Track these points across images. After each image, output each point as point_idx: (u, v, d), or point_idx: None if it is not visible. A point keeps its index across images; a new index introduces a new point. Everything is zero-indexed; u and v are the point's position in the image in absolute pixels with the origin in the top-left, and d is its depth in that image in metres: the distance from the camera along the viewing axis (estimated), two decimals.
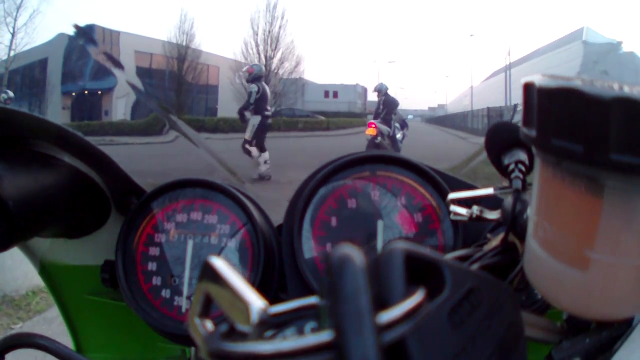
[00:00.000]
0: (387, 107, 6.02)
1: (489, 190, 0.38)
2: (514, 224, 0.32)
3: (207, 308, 0.19)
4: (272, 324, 0.17)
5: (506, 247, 0.33)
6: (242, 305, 0.17)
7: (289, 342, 0.15)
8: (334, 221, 0.54)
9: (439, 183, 0.53)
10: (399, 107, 6.51)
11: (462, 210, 0.38)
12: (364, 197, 0.54)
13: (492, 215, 0.36)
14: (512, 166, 0.35)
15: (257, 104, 5.02)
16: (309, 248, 0.53)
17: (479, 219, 0.37)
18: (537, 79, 0.21)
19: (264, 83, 5.22)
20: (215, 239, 0.53)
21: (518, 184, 0.34)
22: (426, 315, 0.17)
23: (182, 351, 0.64)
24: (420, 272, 0.19)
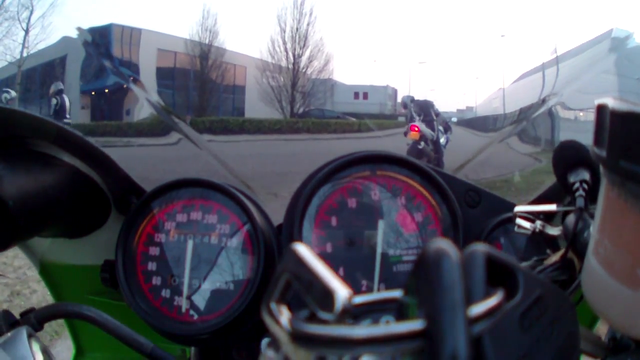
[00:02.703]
0: (422, 110, 5.36)
1: (552, 207, 0.39)
2: (574, 241, 0.34)
3: (285, 294, 0.19)
4: (352, 314, 0.18)
5: (565, 263, 0.35)
6: (327, 292, 0.17)
7: (380, 328, 0.15)
8: (334, 221, 0.54)
9: (439, 183, 0.53)
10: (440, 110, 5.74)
11: (526, 224, 0.39)
12: (364, 197, 0.54)
13: (554, 231, 0.38)
14: (576, 185, 0.36)
15: (56, 114, 5.14)
16: (309, 248, 0.53)
17: (542, 233, 0.38)
18: (611, 102, 0.22)
19: (63, 95, 5.22)
20: (215, 239, 0.53)
21: (581, 202, 0.35)
22: (503, 315, 0.18)
23: (182, 351, 0.64)
24: (497, 274, 0.20)
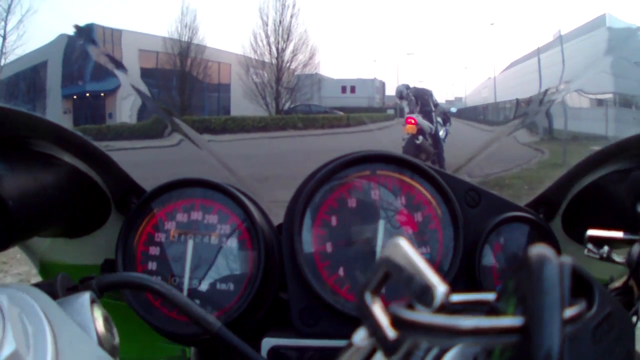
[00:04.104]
0: (419, 100, 4.68)
1: (619, 234, 0.41)
2: (637, 270, 0.36)
3: (381, 286, 0.20)
4: (448, 310, 0.18)
5: (625, 289, 0.37)
6: (426, 286, 0.18)
7: (485, 320, 0.16)
8: (334, 220, 0.54)
9: (439, 183, 0.53)
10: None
11: (595, 249, 0.41)
12: (365, 197, 0.54)
13: (619, 258, 0.40)
14: None
15: None
16: (309, 247, 0.53)
17: (608, 259, 0.40)
18: None
19: None
20: (215, 238, 0.53)
21: None
22: (582, 324, 0.19)
23: (182, 351, 0.64)
24: (577, 286, 0.22)
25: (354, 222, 0.54)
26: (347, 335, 0.55)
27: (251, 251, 0.53)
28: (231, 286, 0.52)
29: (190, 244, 0.53)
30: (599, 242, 0.41)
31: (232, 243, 0.53)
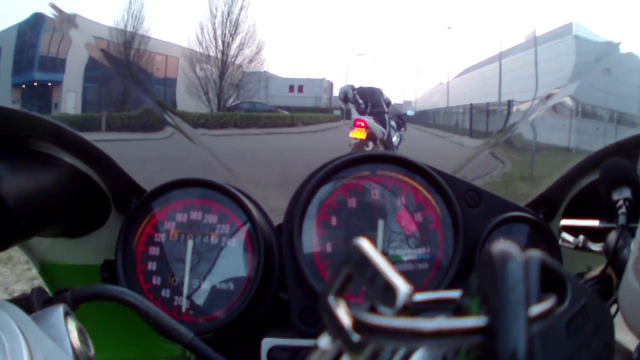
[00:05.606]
0: (369, 100, 4.06)
1: (595, 223, 0.41)
2: (614, 258, 0.35)
3: (344, 288, 0.19)
4: (411, 311, 0.18)
5: (603, 278, 0.37)
6: (388, 287, 0.18)
7: (447, 322, 0.16)
8: (334, 220, 0.54)
9: (439, 183, 0.53)
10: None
11: (570, 239, 0.41)
12: (365, 197, 0.54)
13: (595, 247, 0.39)
14: (620, 202, 0.38)
15: None
16: (309, 247, 0.53)
17: (584, 248, 0.40)
18: None
19: None
20: (215, 238, 0.53)
21: (623, 220, 0.37)
22: (553, 319, 0.19)
23: (182, 351, 0.64)
24: (547, 281, 0.21)
25: (354, 222, 0.54)
26: None
27: (251, 251, 0.53)
28: (231, 286, 0.52)
29: (190, 244, 0.53)
30: (576, 232, 0.41)
31: (232, 243, 0.53)
